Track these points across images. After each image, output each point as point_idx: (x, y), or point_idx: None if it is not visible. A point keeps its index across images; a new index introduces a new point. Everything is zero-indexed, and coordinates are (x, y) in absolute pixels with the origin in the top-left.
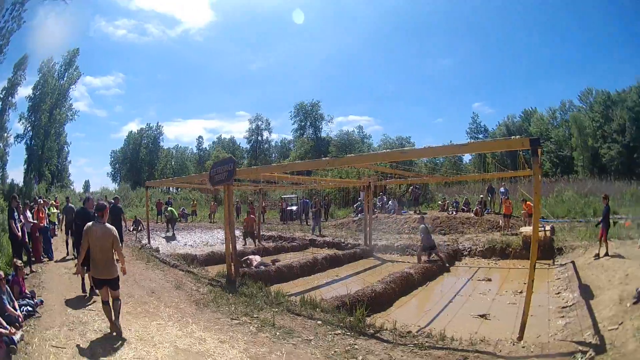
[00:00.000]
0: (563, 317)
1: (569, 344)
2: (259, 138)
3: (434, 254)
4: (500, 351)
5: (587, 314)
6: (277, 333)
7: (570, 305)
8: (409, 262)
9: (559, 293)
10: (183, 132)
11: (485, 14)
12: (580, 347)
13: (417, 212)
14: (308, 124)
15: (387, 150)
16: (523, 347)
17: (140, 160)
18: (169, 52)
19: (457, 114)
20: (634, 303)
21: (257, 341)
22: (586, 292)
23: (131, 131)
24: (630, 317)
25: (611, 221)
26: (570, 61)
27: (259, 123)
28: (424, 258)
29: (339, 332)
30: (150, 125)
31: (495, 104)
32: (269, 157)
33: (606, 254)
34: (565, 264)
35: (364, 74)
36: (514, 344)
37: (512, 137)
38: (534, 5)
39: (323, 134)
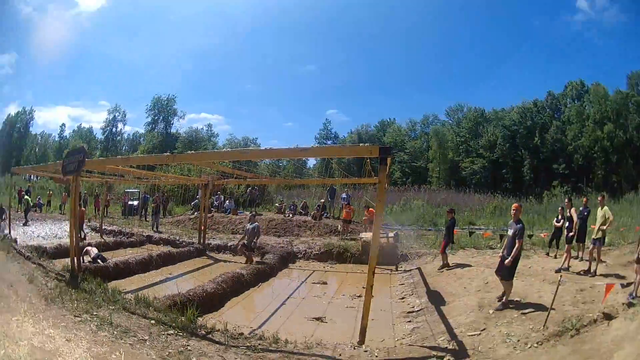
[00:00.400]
0: (410, 321)
1: (420, 348)
2: (114, 129)
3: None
4: (340, 355)
5: (439, 319)
6: (115, 332)
7: (418, 311)
8: (241, 262)
9: (403, 298)
10: (51, 119)
11: (353, 24)
12: (434, 352)
13: (253, 212)
14: (161, 118)
15: (229, 149)
16: (365, 351)
17: (11, 146)
18: (59, 34)
19: (310, 119)
20: (498, 310)
21: (98, 340)
22: (436, 298)
23: (9, 114)
24: (496, 324)
25: (468, 232)
26: (448, 77)
27: (116, 114)
28: (254, 257)
29: (172, 332)
30: (25, 109)
31: (350, 113)
32: (120, 149)
33: (446, 265)
34: (411, 270)
35: (225, 73)
36: (354, 348)
37: (361, 144)
38: (404, 19)
39: (173, 130)
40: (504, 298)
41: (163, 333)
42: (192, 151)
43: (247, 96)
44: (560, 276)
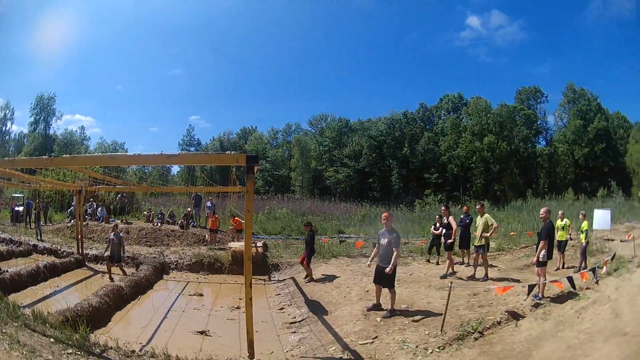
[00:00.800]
0: (294, 332)
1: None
2: (4, 128)
3: (117, 265)
4: None
5: (325, 329)
6: (24, 352)
7: (300, 321)
8: (118, 274)
9: (282, 309)
10: None
11: (220, 31)
12: None
13: (124, 221)
14: (42, 118)
15: (99, 154)
16: None
17: None
18: None
19: (174, 125)
20: (386, 318)
21: None
22: (317, 308)
23: None
24: (387, 332)
25: (338, 240)
26: (315, 87)
27: (7, 112)
28: (114, 268)
29: (71, 351)
30: None
31: (212, 120)
32: (8, 150)
33: (310, 276)
34: (285, 280)
35: (98, 72)
36: None
37: (227, 152)
38: (270, 27)
39: (52, 131)
40: (389, 306)
41: (64, 352)
42: (67, 155)
43: (117, 98)
44: (451, 282)
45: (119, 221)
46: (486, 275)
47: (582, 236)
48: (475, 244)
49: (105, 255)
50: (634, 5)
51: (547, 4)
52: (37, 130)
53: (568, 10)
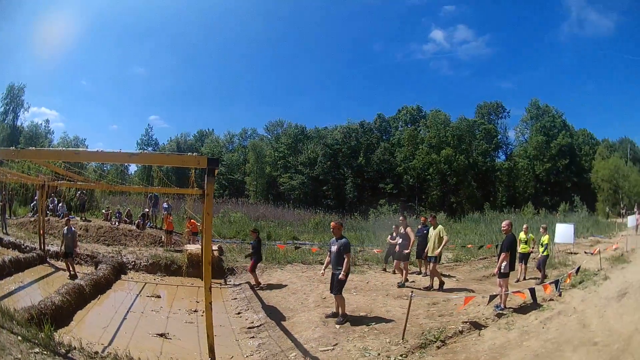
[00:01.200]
0: (253, 337)
1: None
2: None
3: (69, 260)
4: None
5: (284, 335)
6: None
7: (258, 326)
8: (78, 272)
9: (239, 313)
10: None
11: (181, 33)
12: None
13: (83, 218)
14: (11, 109)
15: (63, 148)
16: None
17: None
18: None
19: (134, 123)
20: (339, 324)
21: None
22: (275, 314)
23: None
24: (348, 339)
25: (293, 246)
26: (272, 93)
27: None
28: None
29: (37, 350)
30: None
31: (171, 120)
32: None
33: (258, 284)
34: (241, 284)
35: (69, 66)
36: None
37: (189, 153)
38: (231, 29)
39: (19, 122)
40: (340, 311)
41: (31, 351)
42: (32, 148)
43: (81, 93)
44: (412, 291)
45: (78, 218)
46: (431, 285)
47: (542, 249)
48: (430, 254)
49: (61, 250)
50: (613, 23)
51: (516, 21)
52: (5, 121)
53: (537, 27)
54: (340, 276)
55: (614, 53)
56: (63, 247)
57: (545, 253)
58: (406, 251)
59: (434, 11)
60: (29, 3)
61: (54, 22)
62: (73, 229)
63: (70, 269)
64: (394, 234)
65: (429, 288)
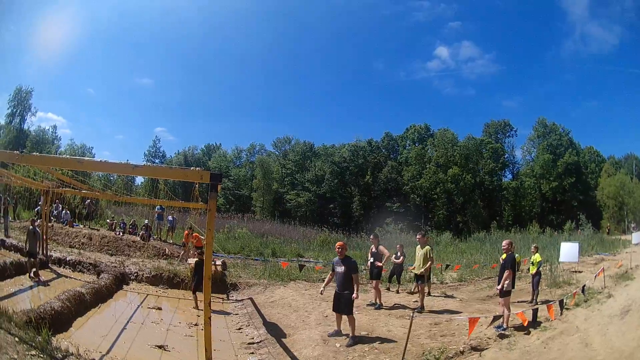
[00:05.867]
0: (253, 353)
1: None
2: None
3: (33, 262)
4: None
5: (283, 352)
6: None
7: (259, 342)
8: (80, 279)
9: (240, 329)
10: None
11: (192, 47)
12: None
13: (89, 227)
14: (18, 112)
15: (68, 156)
16: None
17: None
18: None
19: (141, 134)
20: (349, 346)
21: None
22: (276, 331)
23: None
24: (347, 358)
25: (298, 265)
26: (280, 110)
27: None
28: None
29: (34, 353)
30: None
31: (178, 133)
32: None
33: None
34: (243, 300)
35: (77, 73)
36: None
37: (192, 168)
38: (240, 45)
39: (26, 126)
40: (351, 333)
41: (27, 353)
42: (38, 153)
43: (88, 101)
44: (413, 310)
45: (82, 226)
46: (422, 306)
47: (533, 268)
48: (416, 272)
49: (26, 251)
50: (617, 38)
51: (521, 38)
52: (12, 124)
53: (543, 45)
54: (353, 295)
55: (618, 68)
56: (27, 247)
57: (536, 271)
58: (376, 270)
59: (439, 27)
60: (38, 7)
61: (61, 27)
62: (37, 229)
63: (32, 270)
64: (398, 254)
65: (419, 309)
